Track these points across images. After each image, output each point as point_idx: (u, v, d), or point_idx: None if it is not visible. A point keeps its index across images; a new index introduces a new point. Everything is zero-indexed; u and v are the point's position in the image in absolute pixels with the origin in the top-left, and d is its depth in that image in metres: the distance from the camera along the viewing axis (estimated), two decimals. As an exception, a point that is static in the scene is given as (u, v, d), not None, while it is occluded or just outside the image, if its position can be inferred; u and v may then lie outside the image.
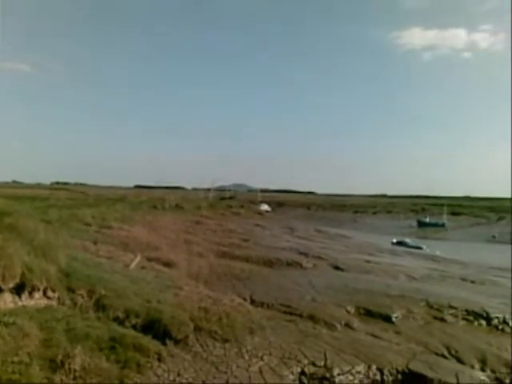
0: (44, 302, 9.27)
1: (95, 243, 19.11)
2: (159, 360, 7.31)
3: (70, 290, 9.97)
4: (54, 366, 6.29)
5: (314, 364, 8.23)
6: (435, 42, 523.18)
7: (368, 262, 25.41)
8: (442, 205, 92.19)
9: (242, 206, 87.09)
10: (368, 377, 8.42)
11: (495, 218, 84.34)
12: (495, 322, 13.11)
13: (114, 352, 7.19)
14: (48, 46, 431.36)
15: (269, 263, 21.58)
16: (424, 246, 44.65)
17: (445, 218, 79.44)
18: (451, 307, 13.73)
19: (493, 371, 9.70)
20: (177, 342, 8.30)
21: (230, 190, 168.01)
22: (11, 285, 8.57)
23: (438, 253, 38.04)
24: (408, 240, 49.96)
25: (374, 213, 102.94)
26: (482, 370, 9.78)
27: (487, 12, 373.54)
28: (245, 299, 12.95)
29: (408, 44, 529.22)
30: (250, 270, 18.90)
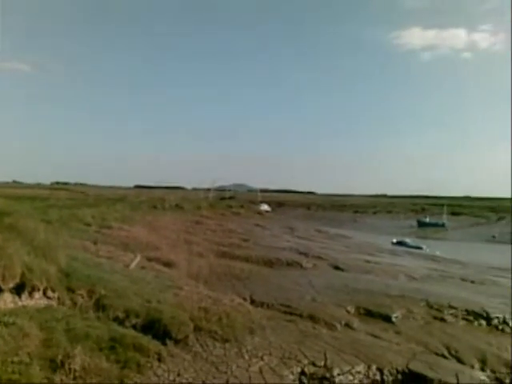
0: (44, 302, 9.27)
1: (95, 243, 19.12)
2: (159, 360, 7.30)
3: (70, 290, 9.97)
4: (54, 366, 6.29)
5: (314, 364, 8.23)
6: (435, 42, 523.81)
7: (368, 262, 25.41)
8: (442, 205, 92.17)
9: (241, 206, 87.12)
10: (368, 377, 8.42)
11: (495, 218, 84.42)
12: (495, 322, 13.12)
13: (114, 352, 7.18)
14: (48, 45, 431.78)
15: (269, 263, 21.59)
16: (424, 246, 44.66)
17: (445, 218, 79.44)
18: (451, 307, 13.73)
19: (493, 371, 9.71)
20: (177, 341, 8.30)
21: (230, 190, 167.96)
22: (11, 285, 8.56)
23: (437, 253, 38.06)
24: (408, 240, 49.96)
25: (374, 213, 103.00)
26: (482, 369, 9.78)
27: (487, 12, 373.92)
28: (245, 299, 12.95)
29: (408, 44, 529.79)
30: (249, 269, 18.90)
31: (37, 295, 9.16)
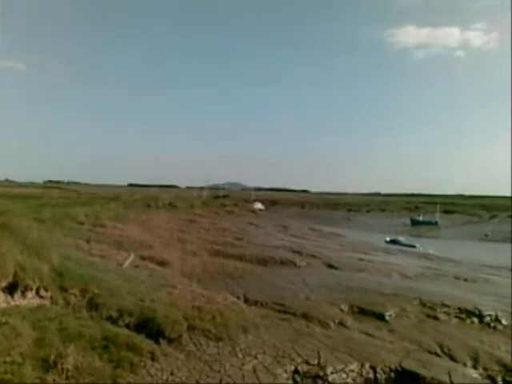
0: (37, 301, 9.22)
1: (88, 242, 19.04)
2: (152, 359, 7.29)
3: (63, 289, 9.92)
4: (47, 365, 6.25)
5: (307, 362, 8.23)
6: (428, 41, 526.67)
7: (362, 260, 25.50)
8: (436, 203, 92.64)
9: (235, 205, 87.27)
10: (361, 375, 8.43)
11: (487, 217, 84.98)
12: (487, 319, 13.18)
13: (107, 351, 7.16)
14: (48, 45, 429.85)
15: (262, 262, 21.58)
16: (417, 245, 44.87)
17: (438, 217, 79.88)
18: (444, 305, 13.79)
19: (485, 369, 9.76)
20: (170, 340, 8.28)
21: (223, 189, 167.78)
22: (4, 284, 8.53)
23: (431, 251, 38.30)
24: (401, 238, 50.15)
25: (368, 211, 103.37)
26: (475, 367, 9.83)
27: (480, 10, 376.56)
28: (238, 298, 12.96)
29: (402, 42, 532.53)
30: (243, 268, 18.89)
31: (29, 294, 9.12)
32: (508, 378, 9.45)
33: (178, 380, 6.79)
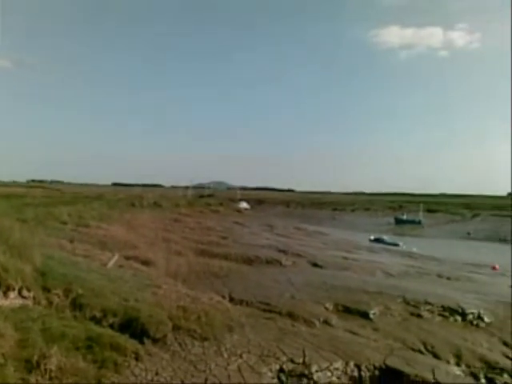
0: (19, 301, 9.09)
1: (72, 242, 18.84)
2: (137, 359, 7.24)
3: (46, 289, 9.79)
4: (30, 366, 6.17)
5: (292, 361, 8.25)
6: (412, 41, 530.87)
7: (346, 258, 25.66)
8: (419, 202, 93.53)
9: (221, 204, 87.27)
10: (346, 373, 8.48)
11: (470, 215, 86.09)
12: (470, 317, 13.35)
13: (91, 351, 7.09)
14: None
15: (248, 261, 21.57)
16: (401, 243, 45.25)
17: (421, 216, 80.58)
18: (428, 303, 13.92)
19: (468, 366, 9.91)
20: (155, 340, 8.23)
21: (209, 188, 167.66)
22: (-15, 284, 8.40)
23: (414, 249, 38.64)
24: (385, 237, 50.51)
25: (353, 210, 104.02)
26: (458, 364, 9.96)
27: (463, 10, 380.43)
28: (224, 297, 12.93)
29: (387, 42, 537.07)
30: (228, 267, 18.86)
31: (12, 295, 8.98)
32: (490, 375, 9.60)
33: (162, 380, 6.75)
